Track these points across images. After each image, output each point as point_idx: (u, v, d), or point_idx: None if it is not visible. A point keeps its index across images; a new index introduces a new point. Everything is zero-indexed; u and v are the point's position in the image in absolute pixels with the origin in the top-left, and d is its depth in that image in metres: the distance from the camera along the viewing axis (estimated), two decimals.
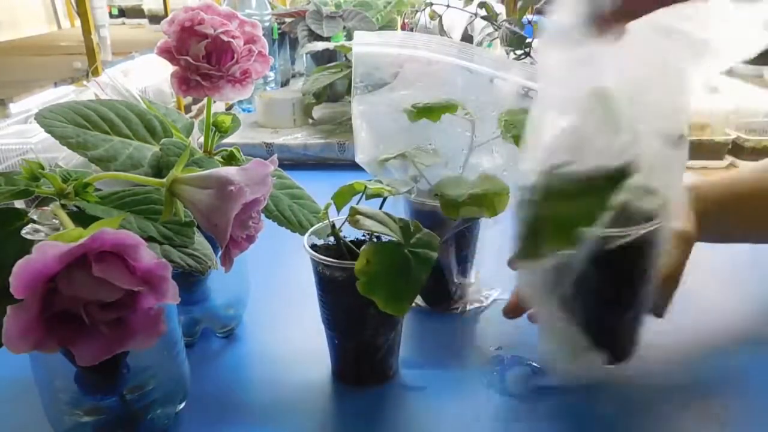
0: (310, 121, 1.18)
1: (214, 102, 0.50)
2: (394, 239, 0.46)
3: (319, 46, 1.25)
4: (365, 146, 0.62)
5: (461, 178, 0.57)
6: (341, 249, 0.49)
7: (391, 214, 0.48)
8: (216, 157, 0.50)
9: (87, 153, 0.43)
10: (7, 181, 0.38)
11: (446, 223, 0.56)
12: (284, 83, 1.44)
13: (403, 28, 1.56)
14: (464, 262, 0.61)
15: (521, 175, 0.43)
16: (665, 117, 0.43)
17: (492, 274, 0.62)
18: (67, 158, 0.49)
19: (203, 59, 0.46)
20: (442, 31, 1.37)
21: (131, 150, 0.46)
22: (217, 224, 0.38)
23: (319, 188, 0.56)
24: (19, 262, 0.29)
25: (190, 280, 0.53)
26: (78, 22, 2.38)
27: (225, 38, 0.46)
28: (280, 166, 0.43)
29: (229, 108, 1.38)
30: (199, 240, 0.43)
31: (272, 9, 1.39)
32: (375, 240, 0.49)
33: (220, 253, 0.41)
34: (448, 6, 1.35)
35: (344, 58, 1.24)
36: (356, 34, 0.65)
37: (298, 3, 1.59)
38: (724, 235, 0.59)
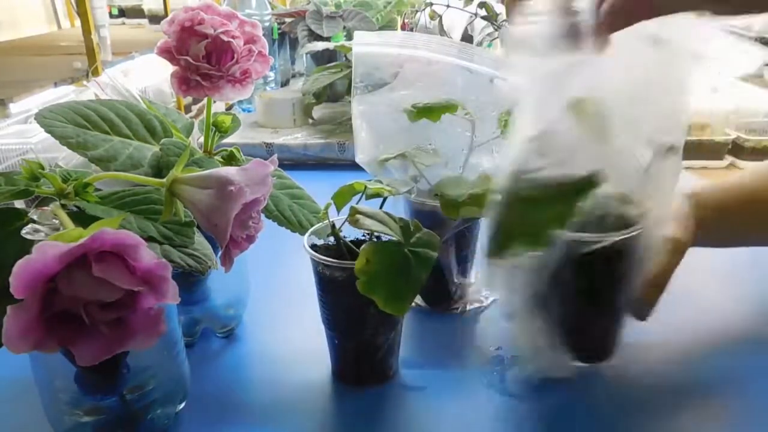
0: (310, 121, 1.18)
1: (214, 102, 0.50)
2: (394, 239, 0.46)
3: (319, 46, 1.25)
4: (365, 146, 0.62)
5: (461, 178, 0.57)
6: (341, 249, 0.49)
7: (391, 213, 0.48)
8: (216, 157, 0.50)
9: (87, 153, 0.43)
10: (7, 181, 0.38)
11: (446, 223, 0.56)
12: (284, 83, 1.44)
13: (403, 28, 1.56)
14: (464, 262, 0.61)
15: (498, 175, 0.44)
16: (655, 127, 0.44)
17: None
18: (67, 158, 0.49)
19: (203, 59, 0.46)
20: (442, 31, 1.37)
21: (131, 150, 0.46)
22: (217, 224, 0.38)
23: (319, 188, 0.56)
24: (19, 262, 0.29)
25: (190, 280, 0.53)
26: (78, 22, 2.38)
27: (225, 38, 0.46)
28: (280, 166, 0.43)
29: (229, 108, 1.38)
30: (199, 240, 0.43)
31: (272, 9, 1.39)
32: (375, 239, 0.50)
33: (220, 253, 0.41)
34: (448, 6, 1.35)
35: (344, 58, 1.24)
36: (356, 34, 0.65)
37: (298, 3, 1.59)
38: (724, 239, 0.60)
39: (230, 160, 0.50)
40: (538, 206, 0.41)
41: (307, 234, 0.50)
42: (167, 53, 0.47)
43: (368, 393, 0.50)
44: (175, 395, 0.47)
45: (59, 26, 3.81)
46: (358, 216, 0.46)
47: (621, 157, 0.43)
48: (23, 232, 0.35)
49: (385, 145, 0.60)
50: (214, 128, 0.51)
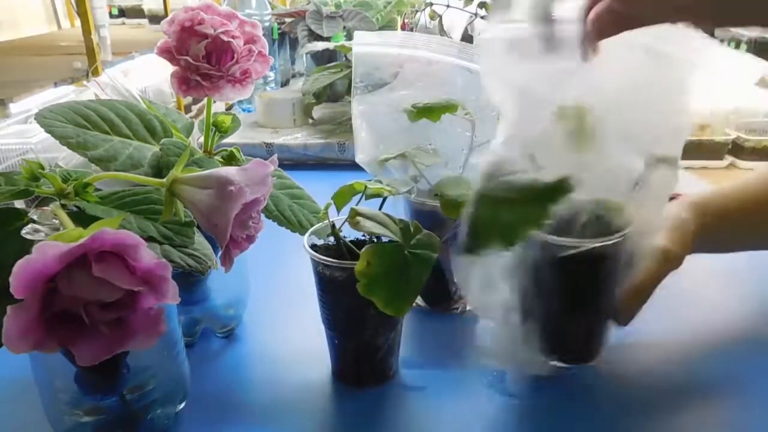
0: (310, 121, 1.18)
1: (214, 102, 0.50)
2: (394, 240, 0.46)
3: (319, 46, 1.25)
4: (365, 146, 0.62)
5: (461, 178, 0.57)
6: (341, 249, 0.49)
7: (391, 215, 0.48)
8: (216, 157, 0.50)
9: (87, 153, 0.43)
10: (7, 181, 0.38)
11: (446, 223, 0.56)
12: (284, 83, 1.44)
13: (403, 28, 1.56)
14: None
15: (477, 173, 0.45)
16: (646, 137, 0.44)
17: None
18: (67, 158, 0.49)
19: (203, 59, 0.46)
20: (442, 31, 1.37)
21: (131, 150, 0.46)
22: (217, 224, 0.38)
23: (319, 188, 0.56)
24: (19, 262, 0.29)
25: (190, 280, 0.53)
26: (78, 22, 2.38)
27: (225, 38, 0.46)
28: (280, 166, 0.43)
29: (229, 108, 1.38)
30: (199, 240, 0.43)
31: (272, 9, 1.39)
32: (375, 241, 0.50)
33: (220, 253, 0.41)
34: (448, 6, 1.35)
35: (344, 58, 1.24)
36: (356, 34, 0.65)
37: (298, 3, 1.59)
38: (725, 245, 0.60)
39: (230, 160, 0.50)
40: (513, 207, 0.43)
41: (307, 234, 0.50)
42: (167, 53, 0.47)
43: (368, 393, 0.50)
44: (175, 395, 0.47)
45: (59, 26, 3.81)
46: (359, 218, 0.46)
47: (608, 164, 0.44)
48: (23, 232, 0.35)
49: (385, 145, 0.60)
50: (214, 128, 0.51)
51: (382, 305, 0.43)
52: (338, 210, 0.50)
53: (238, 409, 0.49)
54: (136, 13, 4.03)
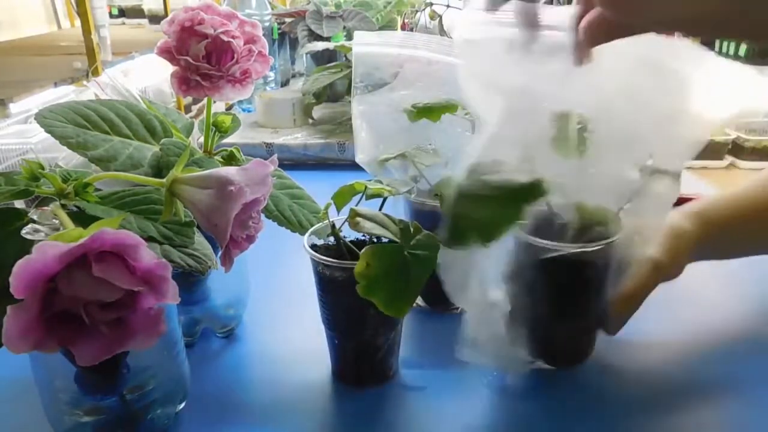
0: (310, 121, 1.18)
1: (214, 102, 0.50)
2: (393, 241, 0.46)
3: (319, 46, 1.25)
4: (365, 146, 0.62)
5: None
6: (341, 249, 0.49)
7: (391, 215, 0.48)
8: (216, 157, 0.50)
9: (87, 153, 0.43)
10: (7, 181, 0.38)
11: None
12: (284, 83, 1.44)
13: (403, 28, 1.56)
14: None
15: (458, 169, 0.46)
16: (641, 148, 0.44)
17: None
18: (67, 158, 0.49)
19: (203, 59, 0.46)
20: (442, 31, 1.37)
21: (131, 150, 0.46)
22: (217, 224, 0.38)
23: (319, 188, 0.56)
24: (19, 262, 0.29)
25: (190, 280, 0.53)
26: (78, 22, 2.38)
27: (225, 38, 0.46)
28: (280, 166, 0.43)
29: (229, 108, 1.38)
30: (199, 240, 0.43)
31: (272, 9, 1.39)
32: (375, 241, 0.49)
33: (220, 253, 0.41)
34: (448, 6, 1.35)
35: (344, 58, 1.24)
36: (356, 34, 0.65)
37: (298, 3, 1.59)
38: (727, 252, 0.60)
39: (230, 160, 0.50)
40: (490, 205, 0.44)
41: (307, 234, 0.50)
42: (167, 53, 0.47)
43: (368, 393, 0.50)
44: (175, 395, 0.47)
45: (59, 26, 3.81)
46: (358, 219, 0.46)
47: (600, 171, 0.44)
48: (23, 232, 0.35)
49: (385, 145, 0.60)
50: (214, 128, 0.51)
51: (382, 306, 0.43)
52: (338, 210, 0.50)
53: (238, 409, 0.49)
54: (136, 13, 4.03)
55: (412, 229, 0.47)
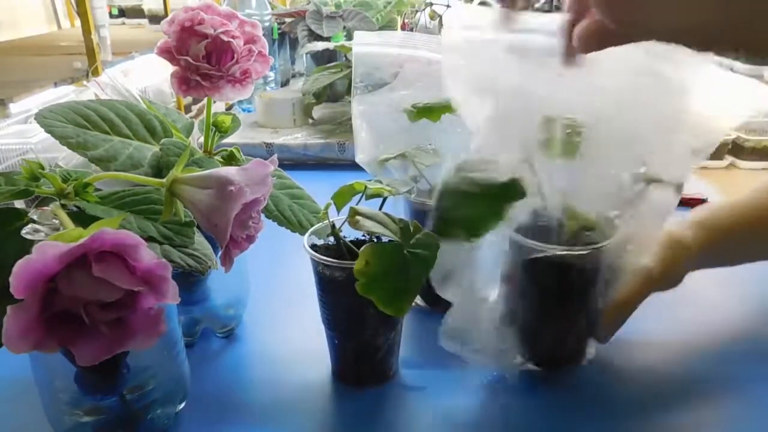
0: (310, 121, 1.18)
1: (214, 102, 0.50)
2: (393, 240, 0.46)
3: (319, 46, 1.25)
4: (365, 146, 0.62)
5: None
6: (341, 249, 0.49)
7: (391, 214, 0.48)
8: (216, 157, 0.50)
9: (87, 153, 0.43)
10: (7, 181, 0.38)
11: None
12: (284, 83, 1.44)
13: (403, 28, 1.56)
14: None
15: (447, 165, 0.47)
16: (636, 155, 0.45)
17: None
18: (67, 158, 0.49)
19: (203, 59, 0.46)
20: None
21: (131, 150, 0.46)
22: (217, 224, 0.38)
23: (319, 188, 0.56)
24: (19, 262, 0.29)
25: (190, 280, 0.53)
26: (78, 22, 2.38)
27: (225, 38, 0.46)
28: (280, 166, 0.43)
29: (229, 108, 1.38)
30: (199, 240, 0.43)
31: (272, 9, 1.39)
32: (375, 240, 0.49)
33: (220, 253, 0.41)
34: (448, 6, 1.35)
35: (344, 58, 1.24)
36: (356, 34, 0.65)
37: (298, 3, 1.59)
38: (730, 260, 0.59)
39: (230, 160, 0.50)
40: (475, 202, 0.45)
41: (307, 234, 0.50)
42: (167, 53, 0.47)
43: (368, 393, 0.50)
44: (175, 395, 0.47)
45: (59, 26, 3.81)
46: (358, 217, 0.46)
47: (593, 176, 0.44)
48: (23, 232, 0.35)
49: (385, 145, 0.60)
50: (214, 128, 0.51)
51: (381, 305, 0.43)
52: (338, 210, 0.50)
53: (238, 409, 0.49)
54: (136, 13, 4.03)
55: (412, 228, 0.47)
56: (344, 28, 1.34)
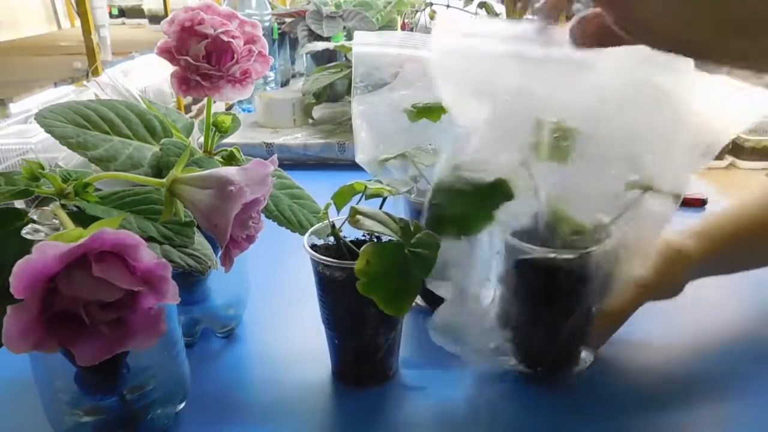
0: (310, 121, 1.18)
1: (214, 102, 0.50)
2: (394, 239, 0.46)
3: (319, 46, 1.25)
4: (365, 146, 0.62)
5: None
6: (341, 249, 0.49)
7: (392, 214, 0.48)
8: (216, 157, 0.50)
9: (87, 153, 0.43)
10: (7, 181, 0.38)
11: None
12: (284, 83, 1.44)
13: (403, 28, 1.56)
14: None
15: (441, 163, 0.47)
16: (632, 164, 0.45)
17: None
18: (67, 158, 0.49)
19: (203, 59, 0.46)
20: None
21: (131, 150, 0.46)
22: (217, 224, 0.38)
23: (319, 188, 0.56)
24: (19, 262, 0.29)
25: (190, 280, 0.53)
26: (78, 22, 2.38)
27: (225, 38, 0.46)
28: (280, 166, 0.43)
29: (229, 108, 1.38)
30: (199, 240, 0.43)
31: (272, 9, 1.39)
32: (375, 240, 0.50)
33: (220, 253, 0.41)
34: (448, 6, 1.35)
35: (344, 58, 1.24)
36: (356, 34, 0.65)
37: (298, 3, 1.59)
38: (731, 268, 0.59)
39: (230, 160, 0.50)
40: (466, 201, 0.45)
41: (307, 234, 0.50)
42: (167, 53, 0.47)
43: (368, 393, 0.50)
44: (175, 395, 0.47)
45: (59, 26, 3.81)
46: (359, 216, 0.46)
47: (586, 182, 0.44)
48: (23, 232, 0.35)
49: (385, 145, 0.60)
50: (214, 128, 0.51)
51: (381, 304, 0.43)
52: (338, 210, 0.50)
53: (238, 409, 0.49)
54: (136, 13, 4.03)
55: (412, 228, 0.47)
56: (344, 28, 1.34)
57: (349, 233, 0.50)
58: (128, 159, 0.45)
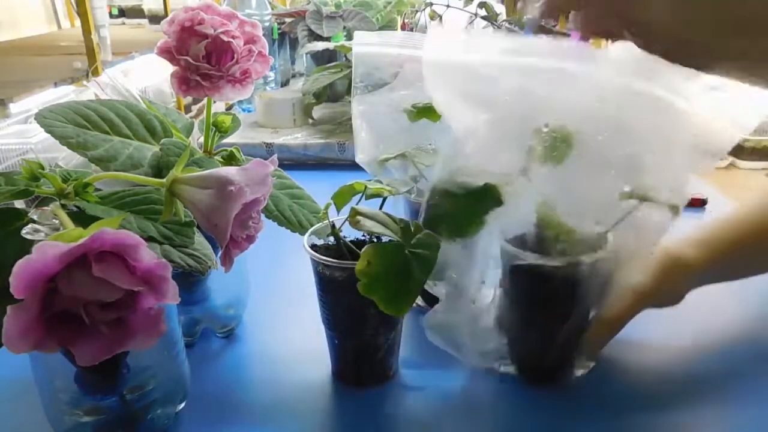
0: (310, 121, 1.18)
1: (214, 102, 0.50)
2: (394, 240, 0.46)
3: (319, 46, 1.25)
4: (365, 146, 0.62)
5: None
6: (341, 249, 0.49)
7: (392, 214, 0.48)
8: (216, 157, 0.50)
9: (87, 153, 0.43)
10: (7, 181, 0.38)
11: None
12: (284, 83, 1.44)
13: (403, 28, 1.56)
14: None
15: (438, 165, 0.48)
16: (627, 172, 0.45)
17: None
18: (67, 158, 0.49)
19: (203, 59, 0.46)
20: None
21: (131, 150, 0.46)
22: (217, 224, 0.38)
23: (319, 188, 0.56)
24: (19, 262, 0.29)
25: (190, 280, 0.53)
26: (78, 22, 2.38)
27: (225, 38, 0.46)
28: (280, 166, 0.43)
29: (229, 108, 1.38)
30: (199, 240, 0.43)
31: (272, 9, 1.39)
32: (375, 240, 0.49)
33: (220, 253, 0.41)
34: (448, 6, 1.36)
35: (344, 58, 1.24)
36: (356, 34, 0.65)
37: (298, 3, 1.59)
38: (731, 276, 0.58)
39: (230, 160, 0.50)
40: (460, 203, 0.46)
41: (307, 234, 0.50)
42: (167, 53, 0.47)
43: (368, 393, 0.50)
44: (175, 395, 0.47)
45: (59, 26, 3.81)
46: (359, 217, 0.46)
47: (582, 188, 0.44)
48: (23, 232, 0.35)
49: (385, 145, 0.60)
50: (214, 128, 0.51)
51: (382, 305, 0.43)
52: (338, 210, 0.50)
53: (238, 409, 0.49)
54: (136, 13, 4.03)
55: (412, 228, 0.47)
56: (344, 28, 1.34)
57: (349, 233, 0.50)
58: (128, 159, 0.45)
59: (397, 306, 0.44)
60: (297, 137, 1.09)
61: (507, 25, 1.18)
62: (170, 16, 0.47)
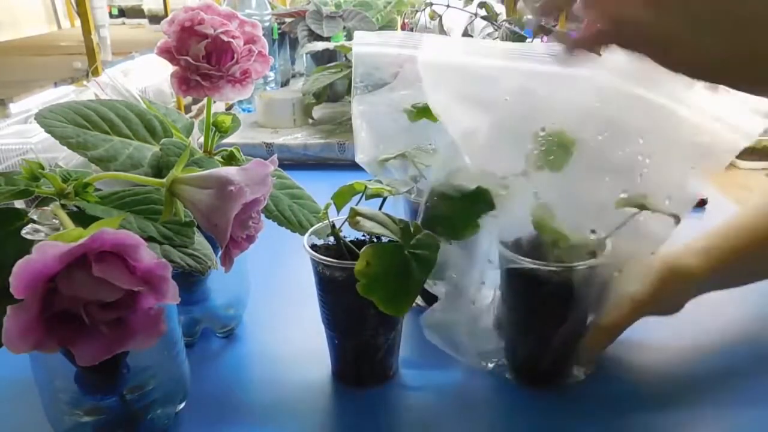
0: (310, 121, 1.18)
1: (214, 102, 0.50)
2: (394, 240, 0.46)
3: (319, 46, 1.25)
4: (365, 146, 0.62)
5: None
6: (341, 249, 0.49)
7: (391, 215, 0.48)
8: (216, 157, 0.50)
9: (87, 153, 0.43)
10: (7, 181, 0.38)
11: None
12: (284, 83, 1.44)
13: (403, 28, 1.56)
14: None
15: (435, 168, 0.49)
16: (626, 179, 0.45)
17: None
18: (67, 158, 0.49)
19: (203, 59, 0.46)
20: (442, 31, 1.37)
21: (131, 150, 0.46)
22: (217, 224, 0.38)
23: (319, 188, 0.56)
24: (19, 262, 0.29)
25: (190, 280, 0.53)
26: (78, 22, 2.37)
27: (225, 38, 0.46)
28: (280, 166, 0.43)
29: (229, 108, 1.38)
30: (199, 240, 0.43)
31: (272, 9, 1.39)
32: (375, 241, 0.49)
33: (220, 253, 0.41)
34: (448, 6, 1.36)
35: (344, 58, 1.24)
36: (356, 34, 0.65)
37: (298, 3, 1.59)
38: (733, 284, 0.58)
39: (230, 160, 0.50)
40: (455, 205, 0.47)
41: (307, 234, 0.50)
42: (167, 53, 0.47)
43: (368, 393, 0.50)
44: (175, 395, 0.47)
45: (59, 26, 3.81)
46: (359, 218, 0.46)
47: (579, 194, 0.44)
48: (23, 232, 0.35)
49: (385, 145, 0.60)
50: (214, 128, 0.51)
51: (381, 305, 0.43)
52: (338, 210, 0.50)
53: (238, 409, 0.49)
54: (136, 13, 4.03)
55: (412, 229, 0.47)
56: (344, 28, 1.34)
57: (349, 233, 0.50)
58: (128, 159, 0.45)
59: (397, 306, 0.44)
60: (297, 137, 1.09)
61: (507, 25, 1.18)
62: (170, 16, 0.47)
